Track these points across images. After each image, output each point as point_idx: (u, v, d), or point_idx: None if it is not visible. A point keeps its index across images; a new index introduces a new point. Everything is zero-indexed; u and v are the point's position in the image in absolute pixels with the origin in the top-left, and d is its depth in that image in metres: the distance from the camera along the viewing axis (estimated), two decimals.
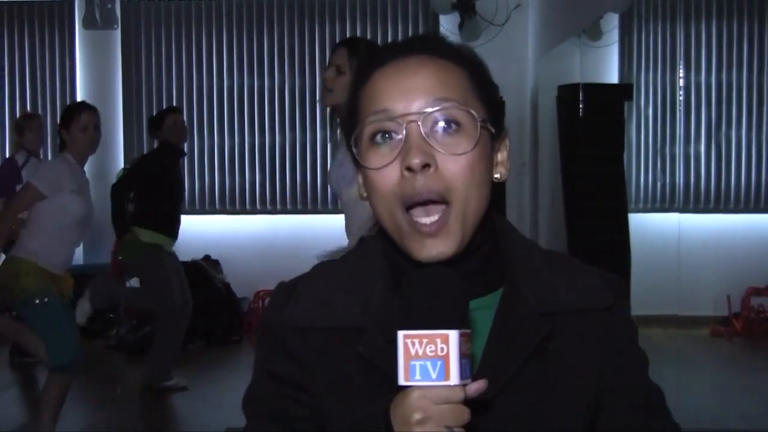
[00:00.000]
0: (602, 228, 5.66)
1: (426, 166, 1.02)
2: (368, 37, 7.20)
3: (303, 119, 7.56)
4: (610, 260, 5.03)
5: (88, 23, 7.57)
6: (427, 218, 1.04)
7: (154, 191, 5.36)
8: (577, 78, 5.83)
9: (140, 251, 5.30)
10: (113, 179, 6.05)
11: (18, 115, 7.27)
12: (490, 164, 1.09)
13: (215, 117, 7.57)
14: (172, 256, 5.49)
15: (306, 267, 1.19)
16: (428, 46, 1.10)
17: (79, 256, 6.39)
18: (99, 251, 6.94)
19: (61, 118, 4.25)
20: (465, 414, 0.92)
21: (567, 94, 5.93)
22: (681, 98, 6.53)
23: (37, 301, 4.00)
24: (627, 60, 6.65)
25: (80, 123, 4.15)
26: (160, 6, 7.59)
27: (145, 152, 6.78)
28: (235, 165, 7.57)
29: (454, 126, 1.04)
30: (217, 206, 7.57)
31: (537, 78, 7.07)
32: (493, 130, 1.09)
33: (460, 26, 7.10)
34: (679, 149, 6.58)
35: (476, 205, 1.06)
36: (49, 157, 6.98)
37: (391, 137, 1.05)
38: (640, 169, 6.50)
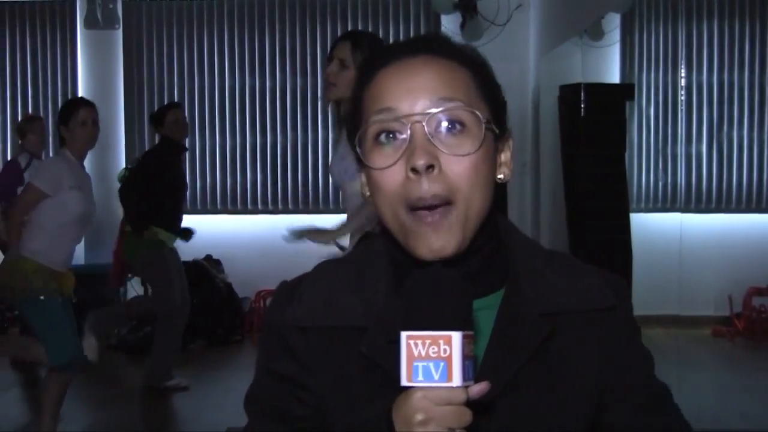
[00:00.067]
0: (604, 228, 5.65)
1: (430, 167, 1.02)
2: None
3: (305, 119, 7.56)
4: (611, 260, 5.02)
5: (90, 23, 7.56)
6: (430, 216, 1.04)
7: (156, 188, 5.36)
8: (578, 78, 5.83)
9: (142, 249, 5.32)
10: (115, 179, 6.05)
11: (19, 115, 7.28)
12: (493, 165, 1.09)
13: (217, 117, 7.57)
14: (174, 252, 5.51)
15: (308, 267, 1.19)
16: (432, 46, 1.09)
17: (80, 255, 6.40)
18: (100, 251, 6.95)
19: (60, 115, 4.25)
20: (467, 416, 0.92)
21: (568, 93, 5.92)
22: (683, 98, 6.52)
23: (42, 298, 4.01)
24: (628, 60, 6.64)
25: (78, 118, 4.14)
26: (161, 6, 7.58)
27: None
28: (236, 165, 7.57)
29: (458, 126, 1.04)
30: (219, 206, 7.57)
31: (538, 78, 7.07)
32: (497, 131, 1.09)
33: (462, 26, 7.10)
34: (681, 149, 6.56)
35: (479, 206, 1.06)
36: None
37: (395, 137, 1.05)
38: (641, 168, 6.48)
